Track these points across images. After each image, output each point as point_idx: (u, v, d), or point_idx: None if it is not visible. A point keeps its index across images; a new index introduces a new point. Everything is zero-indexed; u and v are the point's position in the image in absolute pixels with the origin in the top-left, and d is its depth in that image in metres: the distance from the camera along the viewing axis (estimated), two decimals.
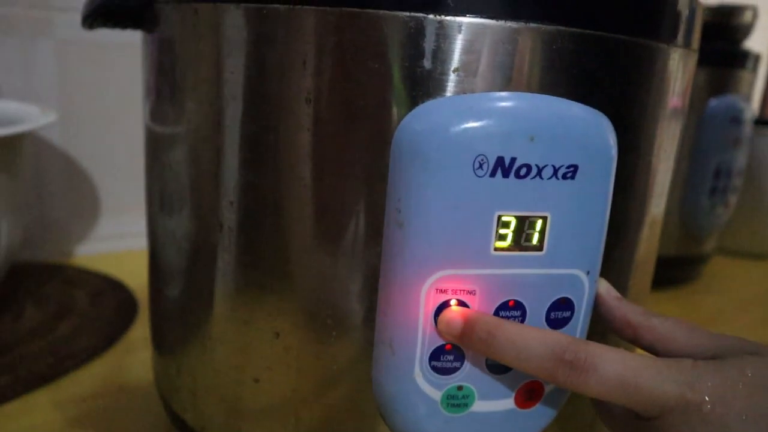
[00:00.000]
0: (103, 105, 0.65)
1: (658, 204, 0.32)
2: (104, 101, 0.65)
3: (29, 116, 0.51)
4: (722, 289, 0.76)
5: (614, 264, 0.29)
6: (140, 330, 0.52)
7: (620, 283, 0.30)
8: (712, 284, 0.76)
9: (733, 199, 0.73)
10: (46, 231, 0.66)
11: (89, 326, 0.51)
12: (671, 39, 0.27)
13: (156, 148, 0.32)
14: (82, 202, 0.68)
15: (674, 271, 0.72)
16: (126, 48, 0.63)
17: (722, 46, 0.67)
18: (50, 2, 0.60)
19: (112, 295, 0.58)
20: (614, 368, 0.22)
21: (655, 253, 0.34)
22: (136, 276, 0.60)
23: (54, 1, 0.60)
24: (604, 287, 0.27)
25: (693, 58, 0.31)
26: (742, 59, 0.68)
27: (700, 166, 0.68)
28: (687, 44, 0.29)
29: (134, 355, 0.48)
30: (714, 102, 0.66)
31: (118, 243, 0.69)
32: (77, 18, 0.31)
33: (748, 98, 0.70)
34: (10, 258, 0.51)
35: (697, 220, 0.70)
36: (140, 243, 0.36)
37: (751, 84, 0.71)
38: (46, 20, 0.61)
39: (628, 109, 0.26)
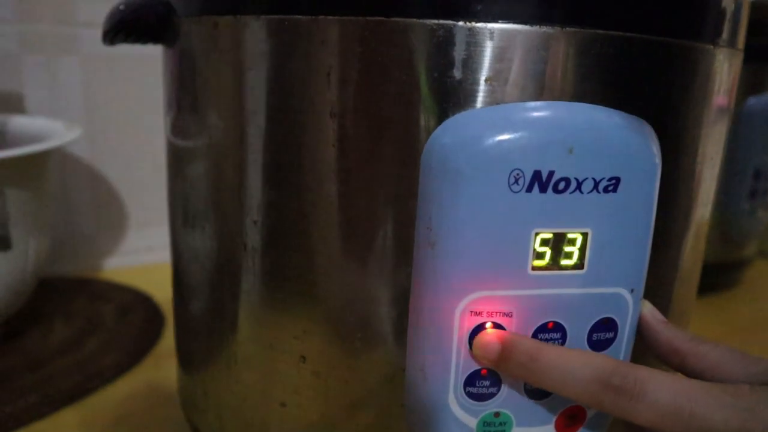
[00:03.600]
0: (129, 119, 0.65)
1: (703, 213, 0.30)
2: (130, 115, 0.65)
3: (55, 132, 0.51)
4: (765, 295, 0.73)
5: (658, 278, 0.27)
6: (167, 344, 0.51)
7: (664, 298, 0.29)
8: (753, 290, 0.73)
9: None
10: (74, 245, 0.66)
11: (117, 341, 0.51)
12: (716, 39, 0.25)
13: (177, 162, 0.32)
14: (109, 215, 0.68)
15: (714, 278, 0.69)
16: (151, 61, 0.63)
17: (761, 42, 0.65)
18: (75, 18, 0.61)
19: (139, 309, 0.58)
20: (667, 394, 0.20)
21: (701, 263, 0.32)
22: (163, 289, 0.59)
23: (79, 17, 0.61)
24: (649, 310, 0.25)
25: (739, 58, 0.29)
26: None
27: (739, 167, 0.65)
28: (732, 44, 0.27)
29: (162, 370, 0.47)
30: (753, 101, 0.64)
31: (145, 256, 0.69)
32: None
33: None
34: (39, 273, 0.51)
35: (737, 224, 0.67)
36: (167, 255, 0.35)
37: None
38: (71, 36, 0.61)
39: (671, 115, 0.25)
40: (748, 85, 0.64)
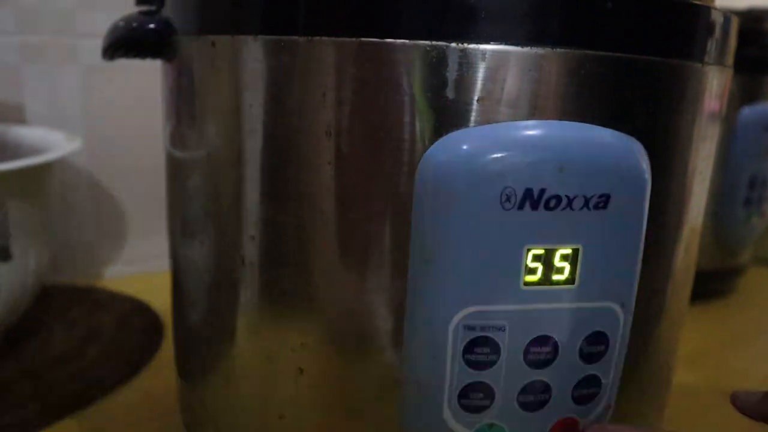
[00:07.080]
0: (128, 129, 0.66)
1: (694, 226, 0.30)
2: (129, 125, 0.66)
3: (55, 143, 0.51)
4: (759, 302, 0.73)
5: (650, 290, 0.28)
6: (167, 353, 0.51)
7: (656, 308, 0.29)
8: (748, 297, 0.74)
9: None
10: (74, 254, 0.66)
11: (117, 351, 0.52)
12: (704, 58, 0.26)
13: (176, 173, 0.32)
14: (109, 224, 0.68)
15: (708, 285, 0.70)
16: (150, 71, 0.64)
17: (754, 52, 0.65)
18: (75, 29, 0.61)
19: (139, 318, 0.58)
20: None
21: (693, 276, 0.33)
22: (162, 298, 0.59)
23: (79, 28, 0.61)
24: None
25: (728, 75, 0.29)
26: None
27: (734, 176, 0.65)
28: (721, 61, 0.28)
29: (161, 379, 0.48)
30: (747, 110, 0.64)
31: (144, 265, 0.69)
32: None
33: None
34: (39, 283, 0.51)
35: (732, 232, 0.68)
36: (166, 264, 0.35)
37: None
38: (71, 46, 0.61)
39: (660, 132, 0.25)
40: (743, 95, 0.65)
